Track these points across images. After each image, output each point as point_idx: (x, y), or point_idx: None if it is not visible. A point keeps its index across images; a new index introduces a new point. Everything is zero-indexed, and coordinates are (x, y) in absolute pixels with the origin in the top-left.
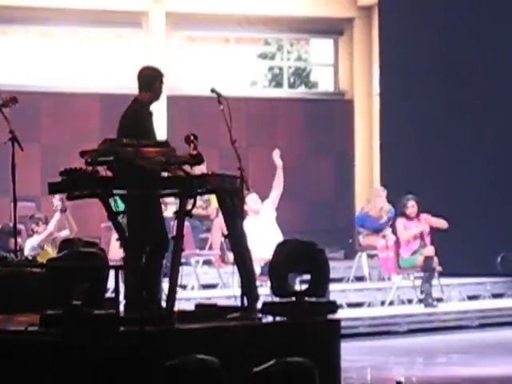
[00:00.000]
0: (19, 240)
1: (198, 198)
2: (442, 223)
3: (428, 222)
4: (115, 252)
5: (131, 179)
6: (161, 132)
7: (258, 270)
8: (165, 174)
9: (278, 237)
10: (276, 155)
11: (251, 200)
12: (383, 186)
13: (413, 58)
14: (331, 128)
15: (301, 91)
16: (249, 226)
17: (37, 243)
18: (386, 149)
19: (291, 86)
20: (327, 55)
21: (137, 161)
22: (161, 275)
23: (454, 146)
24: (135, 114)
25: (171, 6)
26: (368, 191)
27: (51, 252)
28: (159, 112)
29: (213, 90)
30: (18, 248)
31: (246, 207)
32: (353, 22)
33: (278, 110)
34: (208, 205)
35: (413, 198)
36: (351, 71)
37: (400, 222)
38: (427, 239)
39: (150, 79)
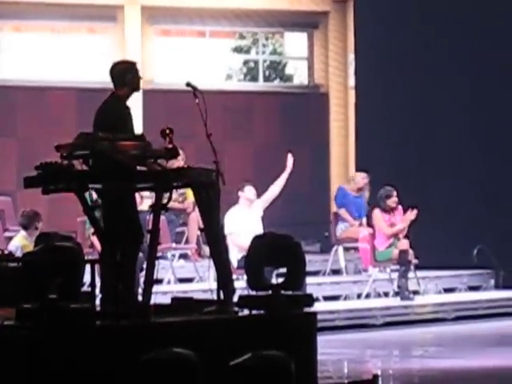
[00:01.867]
0: None
1: (174, 191)
2: (413, 215)
3: (406, 217)
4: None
5: (106, 173)
6: (137, 126)
7: (234, 263)
8: (141, 168)
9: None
10: (290, 159)
11: (249, 191)
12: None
13: (387, 51)
14: (307, 121)
15: (276, 84)
16: (235, 213)
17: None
18: (362, 142)
19: (266, 79)
20: (302, 49)
21: (112, 154)
22: (137, 269)
23: (428, 137)
24: (111, 109)
25: (146, 0)
26: (343, 182)
27: (29, 245)
28: (135, 106)
29: (188, 84)
30: None
31: (241, 194)
32: (328, 15)
33: (254, 104)
34: (184, 198)
35: (393, 190)
36: (326, 65)
37: (378, 215)
38: (401, 232)
39: (122, 73)
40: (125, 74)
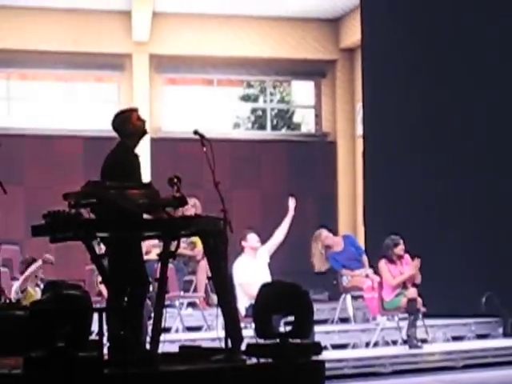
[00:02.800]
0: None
1: (183, 239)
2: (417, 262)
3: (413, 265)
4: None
5: (113, 222)
6: (144, 174)
7: (242, 311)
8: (148, 217)
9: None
10: (292, 203)
11: (252, 238)
12: (366, 227)
13: (396, 100)
14: (314, 169)
15: (284, 133)
16: (243, 262)
17: (18, 288)
18: (369, 190)
19: (274, 127)
20: (310, 97)
21: (119, 203)
22: (144, 317)
23: (439, 187)
24: (118, 157)
25: (154, 49)
26: (351, 231)
27: (33, 293)
28: (143, 154)
29: (196, 132)
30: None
31: (244, 244)
32: (335, 64)
33: (261, 152)
34: (193, 247)
35: (400, 239)
36: (334, 113)
37: (384, 266)
38: (409, 281)
39: (123, 123)
40: (126, 124)
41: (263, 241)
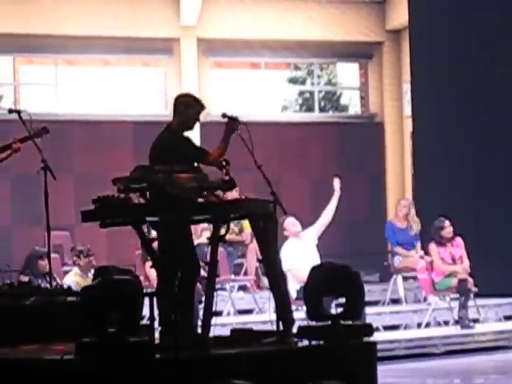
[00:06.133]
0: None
1: (232, 223)
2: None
3: (464, 267)
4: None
5: (163, 206)
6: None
7: (293, 294)
8: (198, 200)
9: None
10: (337, 184)
11: (289, 224)
12: (415, 207)
13: (444, 80)
14: (362, 150)
15: (331, 115)
16: (290, 247)
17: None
18: (419, 170)
19: (322, 109)
20: (356, 79)
21: (168, 187)
22: (195, 301)
23: (488, 167)
24: (164, 142)
25: (202, 33)
26: None
27: (82, 280)
28: (192, 138)
29: (224, 115)
30: (50, 275)
31: (286, 233)
32: (382, 45)
33: (309, 134)
34: (241, 230)
35: (447, 220)
36: (381, 94)
37: (434, 249)
38: (459, 261)
39: (182, 106)
40: (186, 108)
41: (312, 223)
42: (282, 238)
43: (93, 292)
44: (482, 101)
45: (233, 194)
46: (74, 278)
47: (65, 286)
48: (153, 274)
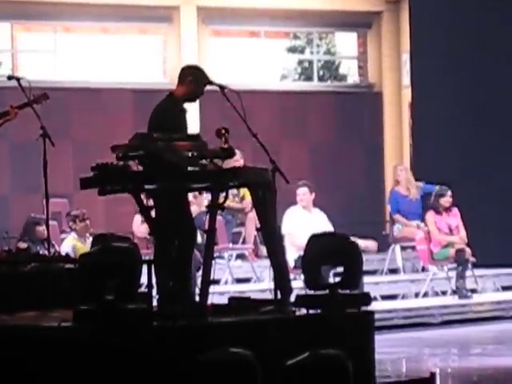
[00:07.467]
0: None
1: (230, 191)
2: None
3: (461, 237)
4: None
5: (161, 174)
6: (193, 126)
7: (291, 262)
8: (196, 168)
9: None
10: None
11: (299, 193)
12: (414, 177)
13: (444, 49)
14: (361, 120)
15: (330, 84)
16: (293, 213)
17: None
18: (417, 140)
19: (320, 79)
20: (355, 48)
21: (167, 155)
22: (193, 269)
23: (490, 136)
24: (166, 110)
25: (202, 1)
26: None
27: (82, 246)
28: (192, 107)
29: (212, 83)
30: (48, 241)
31: (299, 201)
32: (381, 15)
33: (308, 103)
34: (241, 198)
35: (448, 190)
36: (380, 64)
37: (430, 218)
38: (456, 232)
39: (187, 76)
40: (192, 79)
41: (312, 191)
42: (286, 203)
43: (91, 259)
44: (482, 71)
45: (236, 163)
46: (71, 243)
47: (63, 253)
48: (140, 230)
